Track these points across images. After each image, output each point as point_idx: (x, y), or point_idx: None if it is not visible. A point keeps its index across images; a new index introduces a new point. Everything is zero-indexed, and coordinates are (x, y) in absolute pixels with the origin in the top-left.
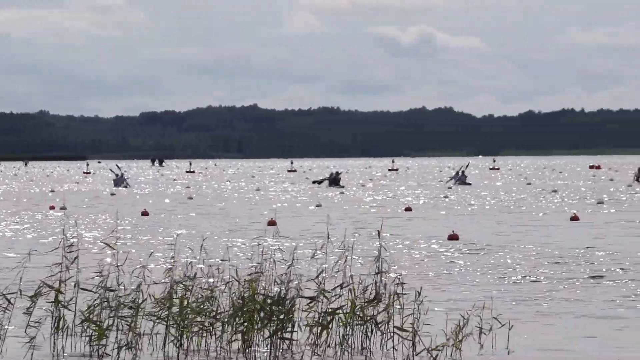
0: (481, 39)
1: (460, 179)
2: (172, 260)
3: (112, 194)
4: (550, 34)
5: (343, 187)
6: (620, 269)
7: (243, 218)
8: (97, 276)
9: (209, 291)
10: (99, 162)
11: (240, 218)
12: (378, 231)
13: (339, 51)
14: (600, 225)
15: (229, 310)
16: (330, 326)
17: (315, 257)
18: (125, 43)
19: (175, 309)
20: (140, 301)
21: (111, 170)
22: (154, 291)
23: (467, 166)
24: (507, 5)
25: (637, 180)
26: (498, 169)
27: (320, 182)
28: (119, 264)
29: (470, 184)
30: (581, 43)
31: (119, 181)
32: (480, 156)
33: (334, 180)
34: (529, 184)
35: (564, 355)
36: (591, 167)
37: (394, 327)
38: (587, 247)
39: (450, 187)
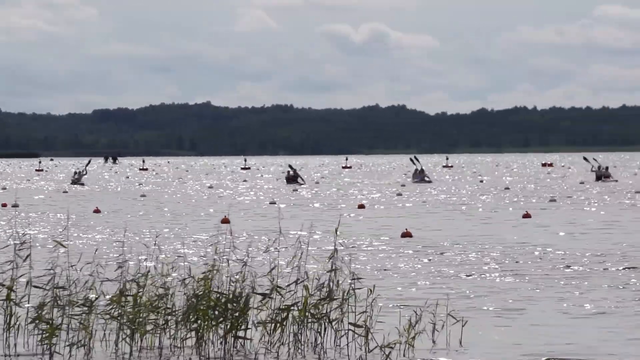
0: (433, 37)
1: (420, 175)
2: (125, 258)
3: (65, 192)
4: (502, 32)
5: (303, 183)
6: (571, 266)
7: (196, 216)
8: (49, 274)
9: (162, 289)
10: (52, 160)
11: (193, 216)
12: (335, 229)
13: (292, 49)
14: (551, 223)
15: (182, 308)
16: (284, 323)
17: (269, 252)
18: (78, 40)
19: (128, 307)
20: (92, 299)
21: (82, 169)
22: (107, 289)
23: (416, 160)
24: (459, 3)
25: (597, 175)
26: (451, 166)
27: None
28: (71, 263)
29: (430, 182)
30: (532, 41)
31: (76, 180)
32: (436, 154)
33: (293, 177)
34: (482, 181)
35: (517, 350)
36: (544, 164)
37: (348, 324)
38: (539, 245)
39: (416, 181)
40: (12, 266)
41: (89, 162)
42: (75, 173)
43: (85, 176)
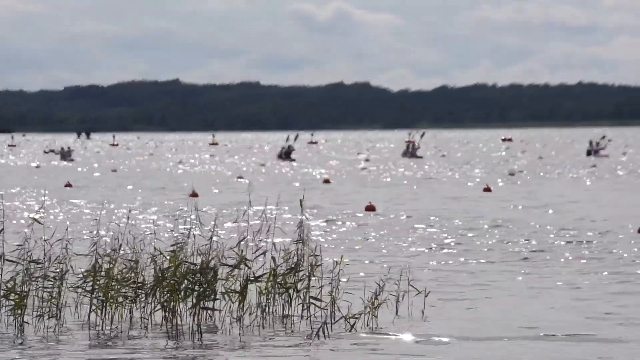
0: (396, 15)
1: (412, 152)
2: (96, 233)
3: (37, 167)
4: (463, 10)
5: (294, 159)
6: (531, 239)
7: (165, 190)
8: (21, 248)
9: (132, 262)
10: (24, 136)
11: (162, 190)
12: (300, 200)
13: (260, 27)
14: (510, 197)
15: (152, 281)
16: (249, 294)
17: (237, 224)
18: (50, 18)
19: (99, 281)
20: (63, 272)
21: (62, 148)
22: (79, 264)
23: (422, 136)
24: None
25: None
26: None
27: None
28: (44, 237)
29: (421, 157)
30: (493, 19)
31: (66, 154)
32: (396, 130)
33: (287, 154)
34: (443, 156)
35: (477, 322)
36: (503, 139)
37: (311, 297)
38: (498, 218)
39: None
40: None
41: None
42: (62, 149)
43: (74, 151)
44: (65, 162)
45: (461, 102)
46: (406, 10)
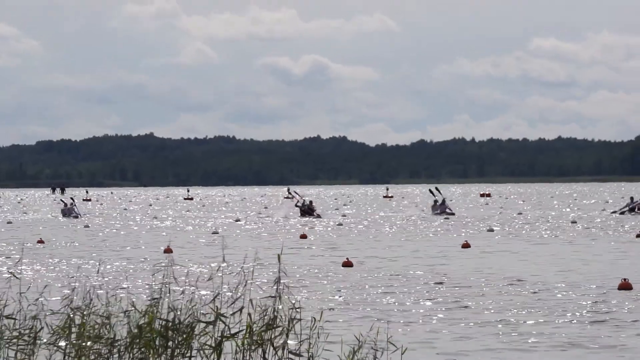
0: (372, 69)
1: (441, 207)
2: (69, 289)
3: (9, 222)
4: (439, 64)
5: (319, 215)
6: (510, 293)
7: (140, 246)
8: None
9: (105, 318)
10: None
11: (137, 246)
12: (278, 255)
13: (234, 81)
14: (490, 252)
15: (126, 337)
16: (225, 350)
17: (212, 280)
18: (20, 72)
19: (72, 338)
20: (37, 330)
21: (62, 200)
22: (51, 321)
23: (437, 191)
24: (396, 36)
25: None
26: (392, 196)
27: (299, 205)
28: (21, 292)
29: (453, 214)
30: (469, 73)
31: (68, 211)
32: (371, 185)
33: (309, 209)
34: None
35: None
36: (482, 195)
37: (290, 351)
38: (477, 273)
39: (436, 213)
40: None
41: (63, 191)
42: (65, 204)
43: (76, 209)
44: (65, 219)
45: (439, 156)
46: (382, 64)
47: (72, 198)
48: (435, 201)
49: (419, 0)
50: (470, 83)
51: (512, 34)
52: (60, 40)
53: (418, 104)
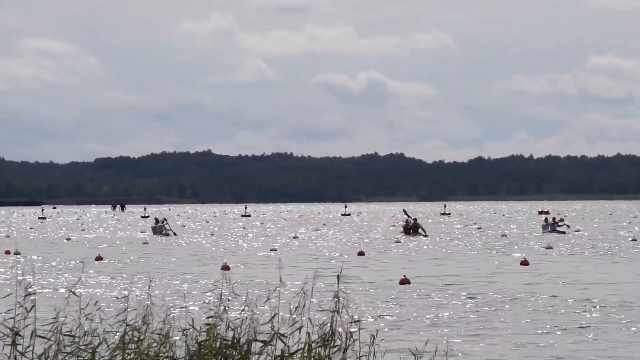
0: (429, 85)
1: (553, 226)
2: (127, 306)
3: (68, 239)
4: (496, 81)
5: (426, 235)
6: (574, 310)
7: (197, 263)
8: (54, 322)
9: (162, 336)
10: (54, 208)
11: (194, 263)
12: (338, 276)
13: (291, 98)
14: (547, 270)
15: (185, 356)
16: None
17: (269, 301)
18: (79, 89)
19: (130, 356)
20: (96, 345)
21: (155, 218)
22: (109, 338)
23: (561, 219)
24: (453, 52)
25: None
26: (449, 214)
27: (409, 224)
28: (80, 309)
29: (564, 232)
30: (526, 90)
31: (159, 229)
32: (429, 202)
33: (414, 227)
34: (480, 228)
35: None
36: (540, 212)
37: None
38: (533, 289)
39: (550, 231)
40: (15, 315)
41: (164, 220)
42: (157, 221)
43: (168, 227)
44: (160, 237)
45: (496, 173)
46: (439, 80)
47: (165, 218)
48: (546, 220)
49: (476, 17)
50: (527, 100)
51: (570, 50)
52: (118, 58)
53: (475, 121)
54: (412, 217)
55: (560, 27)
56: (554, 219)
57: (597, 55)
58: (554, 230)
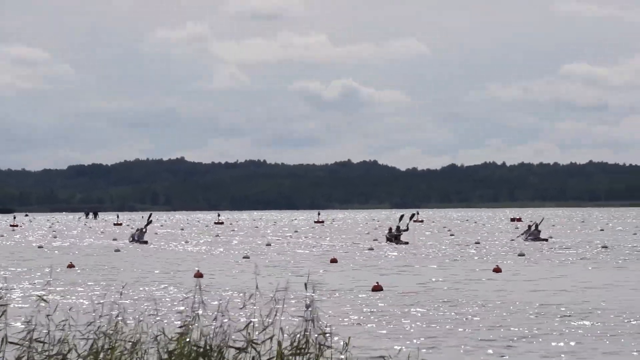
0: (403, 93)
1: (534, 234)
2: (98, 314)
3: (40, 247)
4: (470, 89)
5: (406, 242)
6: (546, 318)
7: (170, 270)
8: (24, 329)
9: (134, 344)
10: (26, 215)
11: (167, 270)
12: (305, 284)
13: (265, 105)
14: (520, 277)
15: None
16: None
17: (244, 307)
18: (52, 96)
19: None
20: (65, 353)
21: (139, 228)
22: (80, 345)
23: (541, 221)
24: (428, 60)
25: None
26: (422, 221)
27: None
28: (48, 315)
29: (546, 240)
30: (500, 98)
31: (139, 236)
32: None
33: (397, 236)
34: (452, 235)
35: None
36: (512, 219)
37: None
38: (507, 297)
39: (526, 240)
40: None
41: (150, 217)
42: (137, 230)
43: (146, 233)
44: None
45: (470, 180)
46: (413, 88)
47: (145, 226)
48: (529, 227)
49: (450, 25)
50: (501, 107)
51: (543, 58)
52: (92, 65)
53: (449, 129)
54: (404, 228)
55: (534, 34)
56: (536, 225)
57: (571, 63)
58: (536, 239)
